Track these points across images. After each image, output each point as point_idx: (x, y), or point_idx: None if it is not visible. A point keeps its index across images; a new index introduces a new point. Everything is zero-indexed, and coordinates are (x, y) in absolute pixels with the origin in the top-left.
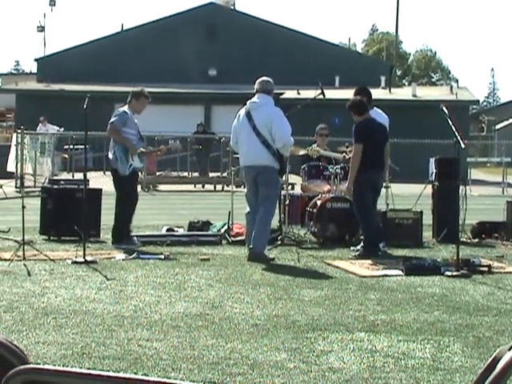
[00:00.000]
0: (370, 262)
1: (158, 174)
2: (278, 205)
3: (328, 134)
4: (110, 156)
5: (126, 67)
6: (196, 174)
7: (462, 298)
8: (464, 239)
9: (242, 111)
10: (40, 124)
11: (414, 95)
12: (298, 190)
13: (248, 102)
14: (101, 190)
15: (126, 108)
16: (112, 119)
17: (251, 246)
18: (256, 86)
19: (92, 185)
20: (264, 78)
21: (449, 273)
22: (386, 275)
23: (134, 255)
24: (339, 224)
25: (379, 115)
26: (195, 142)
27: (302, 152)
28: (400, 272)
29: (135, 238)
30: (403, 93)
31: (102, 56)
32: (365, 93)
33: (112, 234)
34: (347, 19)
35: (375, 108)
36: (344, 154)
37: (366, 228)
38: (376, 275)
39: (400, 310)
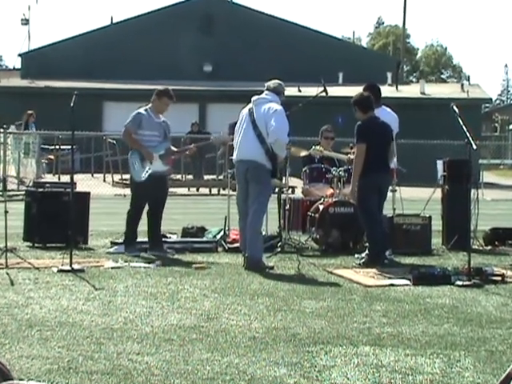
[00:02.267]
0: (375, 270)
1: None
2: (278, 210)
3: (334, 137)
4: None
5: (116, 63)
6: (190, 177)
7: (474, 310)
8: (476, 246)
9: (245, 109)
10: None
11: (423, 93)
12: (298, 194)
13: (252, 99)
14: (89, 193)
15: (143, 108)
16: (126, 122)
17: (247, 254)
18: (266, 85)
19: (79, 188)
20: (276, 80)
21: (460, 282)
22: (393, 285)
23: (123, 263)
24: (343, 230)
25: (388, 114)
26: (189, 143)
27: (303, 153)
28: (407, 281)
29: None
30: (411, 90)
31: (90, 51)
32: (374, 90)
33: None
34: (351, 11)
35: (384, 106)
36: (348, 155)
37: (370, 234)
38: (382, 285)
39: (407, 322)
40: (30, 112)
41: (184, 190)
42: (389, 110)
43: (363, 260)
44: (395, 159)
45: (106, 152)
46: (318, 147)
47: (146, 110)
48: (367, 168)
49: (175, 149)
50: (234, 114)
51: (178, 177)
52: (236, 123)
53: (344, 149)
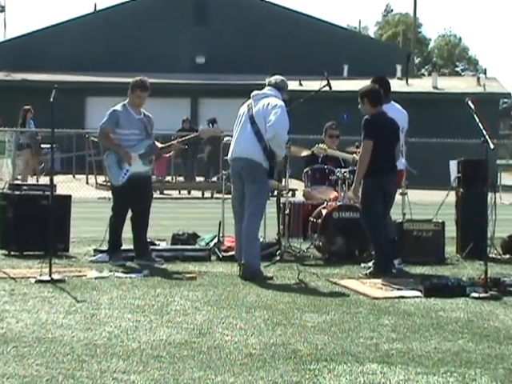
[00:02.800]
0: (383, 281)
1: None
2: (277, 215)
3: (339, 135)
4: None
5: (100, 54)
6: (181, 179)
7: (491, 324)
8: (493, 255)
9: (244, 106)
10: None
11: (435, 87)
12: (299, 197)
13: (252, 94)
14: (70, 196)
15: (120, 104)
16: (102, 122)
17: (243, 262)
18: (267, 81)
19: (60, 191)
20: (278, 76)
21: (475, 294)
22: (402, 297)
23: (108, 272)
24: (348, 237)
25: (397, 111)
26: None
27: (304, 153)
28: (418, 293)
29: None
30: (422, 84)
31: (71, 41)
32: (382, 84)
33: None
34: None
35: (393, 102)
36: (354, 154)
37: (376, 241)
38: (390, 297)
39: (418, 338)
40: (26, 107)
41: (174, 193)
42: (398, 106)
43: (370, 270)
44: (403, 159)
45: (88, 151)
46: (321, 145)
47: (123, 105)
48: (373, 167)
49: (160, 144)
50: (229, 110)
51: (168, 178)
52: (214, 119)
53: (349, 148)
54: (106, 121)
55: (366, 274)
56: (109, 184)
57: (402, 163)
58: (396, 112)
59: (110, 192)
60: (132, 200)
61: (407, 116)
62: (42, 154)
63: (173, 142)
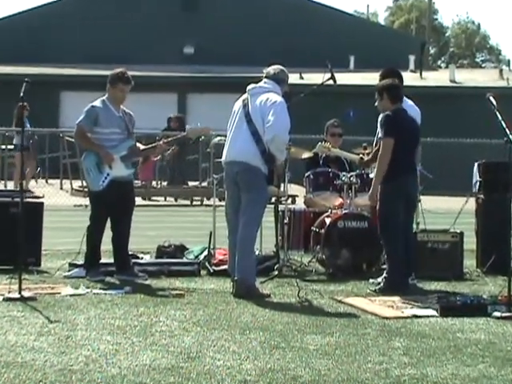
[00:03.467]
0: (394, 298)
1: None
2: (275, 224)
3: (342, 134)
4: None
5: (76, 43)
6: (167, 184)
7: None
8: None
9: (239, 102)
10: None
11: (453, 80)
12: (300, 205)
13: (248, 88)
14: (42, 204)
15: (99, 100)
16: (78, 119)
17: (236, 278)
18: (264, 71)
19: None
20: (278, 66)
21: (498, 313)
22: (416, 316)
23: (85, 289)
24: (354, 249)
25: (410, 108)
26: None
27: (305, 155)
28: (434, 312)
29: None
30: (438, 77)
31: (42, 28)
32: (395, 77)
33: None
34: None
35: (405, 98)
36: (360, 155)
37: (391, 254)
38: (402, 316)
39: (434, 363)
40: (21, 104)
41: (160, 200)
42: (411, 102)
43: (380, 286)
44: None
45: (63, 153)
46: (325, 144)
47: (102, 101)
48: (393, 169)
49: (142, 146)
50: (221, 106)
51: (153, 183)
52: (179, 117)
53: (357, 149)
54: (83, 118)
55: (375, 291)
56: (86, 189)
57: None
58: (409, 109)
59: (88, 198)
60: (113, 208)
61: (420, 114)
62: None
63: (158, 142)
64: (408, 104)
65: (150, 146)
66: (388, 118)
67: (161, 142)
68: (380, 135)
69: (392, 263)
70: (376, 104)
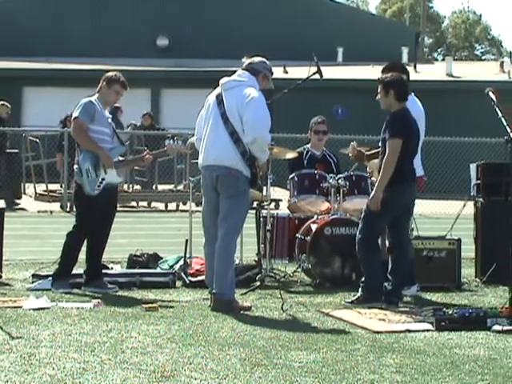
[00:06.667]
0: (386, 311)
1: None
2: (257, 231)
3: (327, 131)
4: (75, 167)
5: (39, 35)
6: (139, 187)
7: None
8: None
9: (212, 96)
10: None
11: (450, 74)
12: (284, 210)
13: (221, 82)
14: (2, 210)
15: (94, 98)
16: (75, 113)
17: (214, 291)
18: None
19: None
20: (258, 57)
21: (498, 327)
22: (410, 330)
23: (49, 302)
24: (343, 258)
25: (415, 105)
26: (138, 142)
27: (290, 155)
28: (429, 326)
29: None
30: (434, 71)
31: (3, 20)
32: (402, 72)
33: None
34: None
35: (412, 95)
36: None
37: (369, 264)
38: (395, 330)
39: (429, 381)
40: (2, 103)
41: (131, 205)
42: (417, 100)
43: (357, 296)
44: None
45: (26, 154)
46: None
47: (95, 100)
48: (396, 173)
49: (121, 158)
50: (197, 102)
51: (124, 187)
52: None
53: (343, 150)
54: (81, 112)
55: (353, 302)
56: (51, 194)
57: (420, 169)
58: (414, 107)
59: (76, 203)
60: (100, 214)
61: (424, 114)
62: None
63: (143, 154)
64: (415, 101)
65: (137, 156)
66: (397, 117)
67: (146, 155)
68: (385, 135)
69: (367, 271)
70: (378, 98)
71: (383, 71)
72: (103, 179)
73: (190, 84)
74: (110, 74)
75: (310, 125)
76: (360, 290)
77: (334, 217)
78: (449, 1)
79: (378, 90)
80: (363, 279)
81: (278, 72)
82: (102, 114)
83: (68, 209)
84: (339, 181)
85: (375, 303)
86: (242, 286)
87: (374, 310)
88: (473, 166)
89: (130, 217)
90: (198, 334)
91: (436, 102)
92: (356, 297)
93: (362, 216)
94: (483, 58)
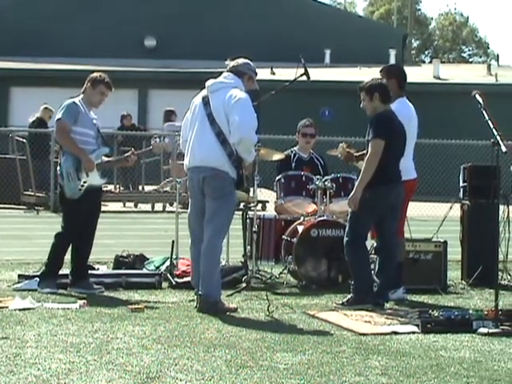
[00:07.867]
0: (372, 313)
1: None
2: (243, 232)
3: (315, 134)
4: (58, 168)
5: (26, 35)
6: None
7: (503, 366)
8: (506, 282)
9: (198, 98)
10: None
11: (437, 77)
12: (270, 211)
13: (207, 84)
14: None
15: (78, 99)
16: (58, 115)
17: (200, 292)
18: (226, 63)
19: None
20: (242, 59)
21: (484, 330)
22: (395, 333)
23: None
24: (329, 260)
25: (407, 108)
26: (123, 142)
27: (276, 156)
28: (415, 328)
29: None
30: (421, 73)
31: None
32: (398, 75)
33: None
34: None
35: (405, 98)
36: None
37: (357, 267)
38: (381, 333)
39: (415, 383)
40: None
41: (118, 206)
42: (409, 104)
43: (347, 298)
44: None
45: (13, 154)
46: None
47: (79, 101)
48: (380, 174)
49: (106, 158)
50: (185, 103)
51: (110, 188)
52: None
53: (331, 151)
54: (64, 114)
55: (343, 304)
56: (38, 195)
57: (413, 171)
58: (406, 110)
59: (62, 206)
60: (82, 216)
61: (416, 118)
62: None
63: (128, 154)
64: (407, 105)
65: (121, 156)
66: (380, 118)
67: (131, 154)
68: (369, 137)
69: (355, 273)
70: (362, 105)
71: (384, 73)
72: (85, 182)
73: (177, 85)
74: (94, 74)
75: (298, 127)
76: (352, 291)
77: (320, 219)
78: (436, 3)
79: (362, 98)
80: (354, 283)
81: (265, 73)
82: (86, 116)
83: (53, 209)
84: (326, 183)
85: (365, 305)
86: (228, 288)
87: (359, 312)
88: (461, 169)
89: (116, 217)
90: (184, 335)
91: (423, 105)
92: (347, 298)
93: (348, 218)
94: (470, 60)
